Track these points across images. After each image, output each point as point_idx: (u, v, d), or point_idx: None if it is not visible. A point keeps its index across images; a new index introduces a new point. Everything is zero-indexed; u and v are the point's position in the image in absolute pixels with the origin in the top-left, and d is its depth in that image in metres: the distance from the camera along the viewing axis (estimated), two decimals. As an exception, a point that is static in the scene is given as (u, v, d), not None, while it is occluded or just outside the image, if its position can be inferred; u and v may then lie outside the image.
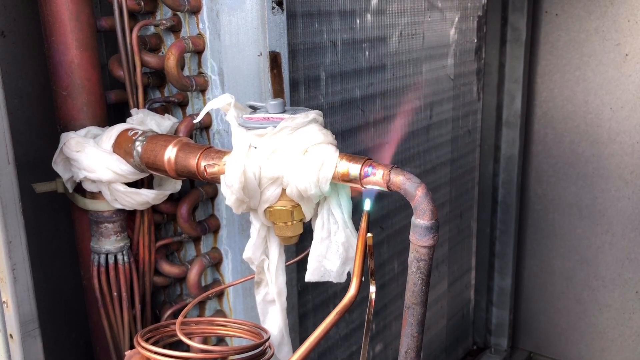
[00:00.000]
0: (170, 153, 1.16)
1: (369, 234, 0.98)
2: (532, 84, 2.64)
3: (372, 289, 1.02)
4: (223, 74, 1.32)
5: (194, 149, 1.15)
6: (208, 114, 1.36)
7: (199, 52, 1.34)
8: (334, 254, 1.09)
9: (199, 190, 1.38)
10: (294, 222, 1.08)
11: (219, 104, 1.08)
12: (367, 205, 0.99)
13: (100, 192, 1.27)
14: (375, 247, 1.95)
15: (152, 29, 1.39)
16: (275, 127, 1.03)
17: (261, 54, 1.26)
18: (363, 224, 1.00)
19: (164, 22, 1.32)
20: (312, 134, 1.02)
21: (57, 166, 1.27)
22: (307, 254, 1.12)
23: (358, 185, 0.99)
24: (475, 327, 2.94)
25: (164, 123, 1.30)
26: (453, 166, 2.40)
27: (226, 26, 1.28)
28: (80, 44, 1.26)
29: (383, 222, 1.97)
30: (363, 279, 1.01)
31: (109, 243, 1.33)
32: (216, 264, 1.44)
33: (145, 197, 1.27)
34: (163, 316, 1.45)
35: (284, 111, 1.06)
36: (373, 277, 1.02)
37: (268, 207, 1.07)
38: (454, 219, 2.51)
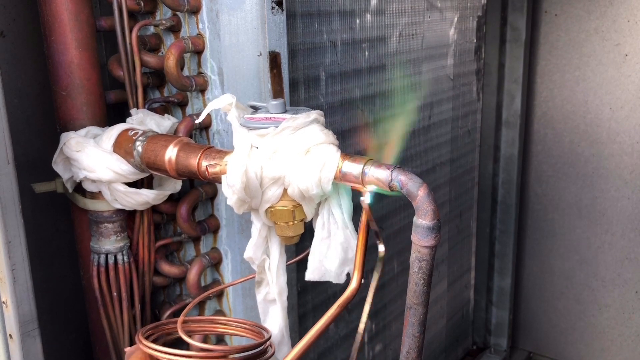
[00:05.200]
0: (171, 153, 1.16)
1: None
2: (532, 84, 2.64)
3: (381, 248, 1.02)
4: (223, 74, 1.31)
5: (194, 148, 1.15)
6: (208, 114, 1.36)
7: (198, 52, 1.34)
8: (334, 253, 1.09)
9: (199, 190, 1.38)
10: (295, 222, 1.08)
11: (220, 104, 1.08)
12: (367, 198, 0.99)
13: (100, 192, 1.27)
14: (375, 247, 1.94)
15: (151, 29, 1.39)
16: (276, 127, 1.02)
17: (261, 54, 1.26)
18: (363, 217, 1.00)
19: (164, 22, 1.32)
20: (314, 134, 1.02)
21: (57, 166, 1.26)
22: (308, 253, 1.12)
23: (360, 186, 0.99)
24: (475, 327, 2.94)
25: (163, 123, 1.30)
26: (453, 166, 2.40)
27: (226, 26, 1.28)
28: (79, 43, 1.25)
29: (383, 222, 1.97)
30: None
31: (109, 243, 1.32)
32: (216, 264, 1.44)
33: (145, 197, 1.26)
34: (163, 316, 1.45)
35: (285, 111, 1.06)
36: (379, 238, 1.01)
37: (269, 207, 1.07)
38: (453, 219, 2.51)
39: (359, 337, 1.05)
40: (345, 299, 1.01)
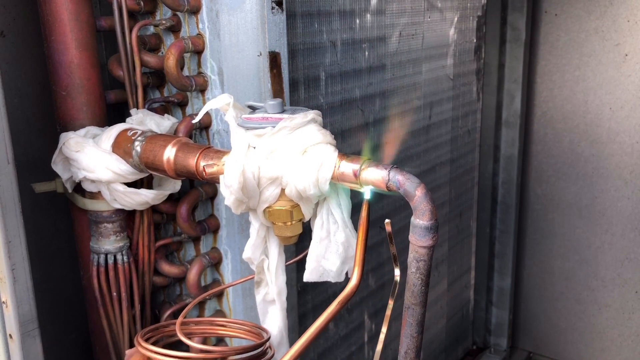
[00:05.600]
0: (169, 153, 1.16)
1: (387, 220, 0.98)
2: (532, 84, 2.64)
3: (397, 272, 1.02)
4: (223, 74, 1.32)
5: (193, 149, 1.15)
6: (207, 114, 1.36)
7: (198, 52, 1.34)
8: (333, 253, 1.09)
9: (199, 190, 1.38)
10: (293, 222, 1.08)
11: (217, 104, 1.08)
12: (367, 194, 0.99)
13: (99, 192, 1.27)
14: (375, 247, 1.95)
15: (151, 29, 1.39)
16: (274, 127, 1.03)
17: (261, 54, 1.26)
18: (364, 213, 1.00)
19: (164, 22, 1.32)
20: (311, 133, 1.02)
21: (57, 166, 1.27)
22: (306, 254, 1.12)
23: (357, 185, 0.99)
24: (475, 327, 2.94)
25: (163, 123, 1.30)
26: (452, 166, 2.40)
27: (226, 26, 1.28)
28: (79, 43, 1.26)
29: (382, 222, 1.97)
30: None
31: (109, 243, 1.33)
32: (216, 264, 1.44)
33: (144, 197, 1.26)
34: (163, 316, 1.45)
35: (282, 111, 1.06)
36: (396, 262, 1.02)
37: (267, 207, 1.07)
38: (453, 219, 2.51)
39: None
40: (346, 296, 1.01)
